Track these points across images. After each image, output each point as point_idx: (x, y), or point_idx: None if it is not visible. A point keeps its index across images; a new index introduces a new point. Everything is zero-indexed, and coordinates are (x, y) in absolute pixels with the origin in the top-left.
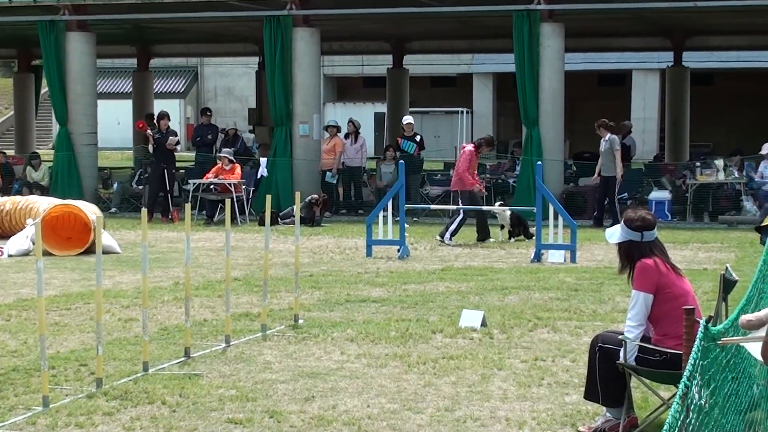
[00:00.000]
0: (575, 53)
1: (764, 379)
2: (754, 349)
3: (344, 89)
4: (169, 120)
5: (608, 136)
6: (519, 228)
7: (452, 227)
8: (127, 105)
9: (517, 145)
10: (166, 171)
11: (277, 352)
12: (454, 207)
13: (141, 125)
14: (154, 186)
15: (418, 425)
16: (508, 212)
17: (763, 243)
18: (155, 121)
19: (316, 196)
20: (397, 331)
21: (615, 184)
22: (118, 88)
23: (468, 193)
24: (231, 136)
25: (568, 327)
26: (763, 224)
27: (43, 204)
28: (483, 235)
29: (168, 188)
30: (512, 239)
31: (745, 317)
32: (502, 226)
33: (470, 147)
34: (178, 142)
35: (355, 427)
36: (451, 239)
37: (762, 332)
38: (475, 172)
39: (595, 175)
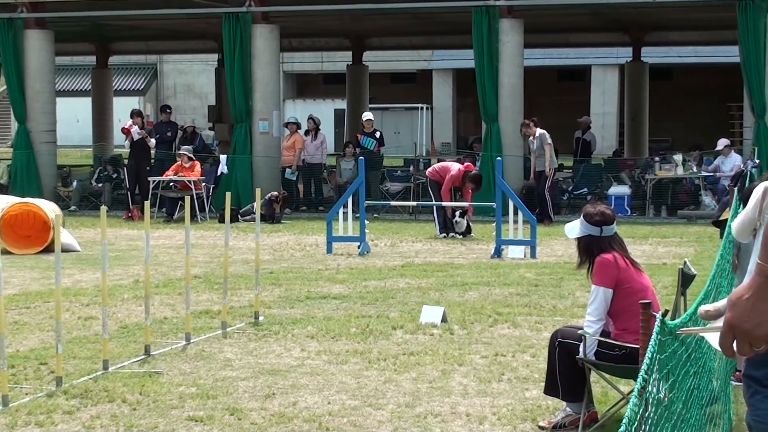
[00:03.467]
0: (534, 49)
1: (722, 373)
2: (713, 339)
3: (304, 86)
4: (143, 117)
5: (538, 132)
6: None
7: (437, 224)
8: (86, 102)
9: (477, 141)
10: (140, 167)
11: (238, 349)
12: (414, 203)
13: (125, 130)
14: (132, 182)
15: (379, 421)
16: (464, 223)
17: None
18: (130, 118)
19: (276, 193)
20: (357, 328)
21: (546, 178)
22: (77, 85)
23: (437, 185)
24: (189, 133)
25: (528, 322)
26: (720, 218)
27: (1, 202)
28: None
29: (129, 185)
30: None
31: (703, 308)
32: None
33: (456, 171)
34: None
35: (316, 424)
36: (442, 232)
37: (720, 322)
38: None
39: (532, 175)
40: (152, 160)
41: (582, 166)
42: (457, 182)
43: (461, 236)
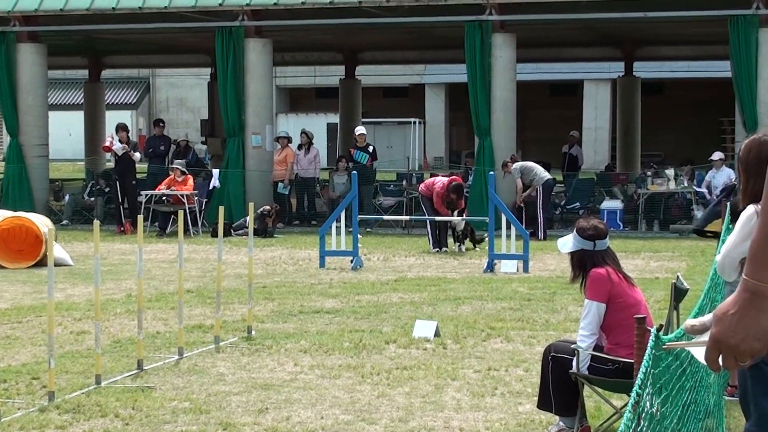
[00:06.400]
0: (527, 63)
1: (715, 388)
2: (699, 354)
3: (297, 100)
4: (128, 131)
5: (513, 167)
6: (467, 232)
7: (430, 239)
8: (78, 116)
9: (470, 156)
10: (124, 181)
11: (231, 363)
12: (407, 218)
13: (107, 148)
14: (117, 198)
15: None
16: (463, 222)
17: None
18: (116, 133)
19: (268, 207)
20: (350, 342)
21: (538, 194)
22: (70, 99)
23: (429, 201)
24: (182, 147)
25: (521, 337)
26: (708, 230)
27: None
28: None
29: (119, 200)
30: (462, 246)
31: (689, 322)
32: (456, 235)
33: (440, 186)
34: (131, 149)
35: None
36: (435, 247)
37: (705, 337)
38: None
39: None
40: (138, 174)
41: (574, 180)
42: (443, 196)
43: (461, 244)
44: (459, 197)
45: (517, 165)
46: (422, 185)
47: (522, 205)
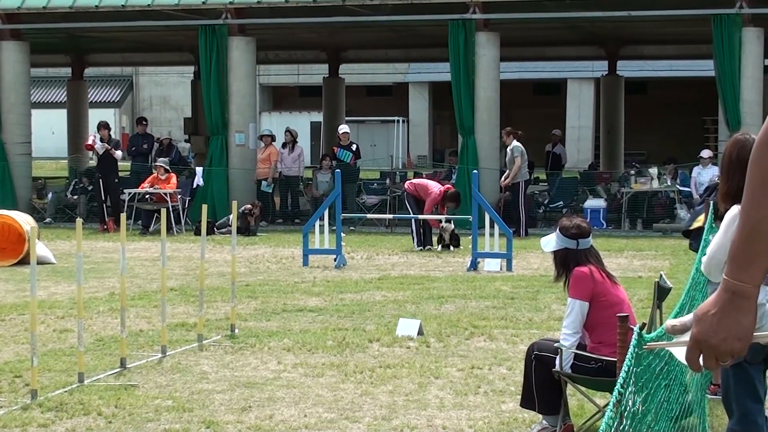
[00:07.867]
0: (511, 62)
1: (697, 386)
2: (679, 353)
3: (280, 98)
4: (110, 129)
5: (513, 144)
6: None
7: (414, 237)
8: (61, 114)
9: (453, 154)
10: (107, 180)
11: (214, 362)
12: (390, 216)
13: (89, 146)
14: (99, 196)
15: None
16: (451, 226)
17: (692, 248)
18: (97, 131)
19: (249, 206)
20: (333, 341)
21: (519, 191)
22: (53, 97)
23: (414, 199)
24: (165, 145)
25: (505, 335)
26: (692, 227)
27: None
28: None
29: (102, 198)
30: (442, 247)
31: (669, 323)
32: (441, 238)
33: (436, 193)
34: (113, 147)
35: None
36: (419, 246)
37: (686, 337)
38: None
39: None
40: (121, 172)
41: (557, 179)
42: (437, 203)
43: (451, 247)
44: (457, 206)
45: (521, 147)
46: (409, 184)
47: (508, 188)
